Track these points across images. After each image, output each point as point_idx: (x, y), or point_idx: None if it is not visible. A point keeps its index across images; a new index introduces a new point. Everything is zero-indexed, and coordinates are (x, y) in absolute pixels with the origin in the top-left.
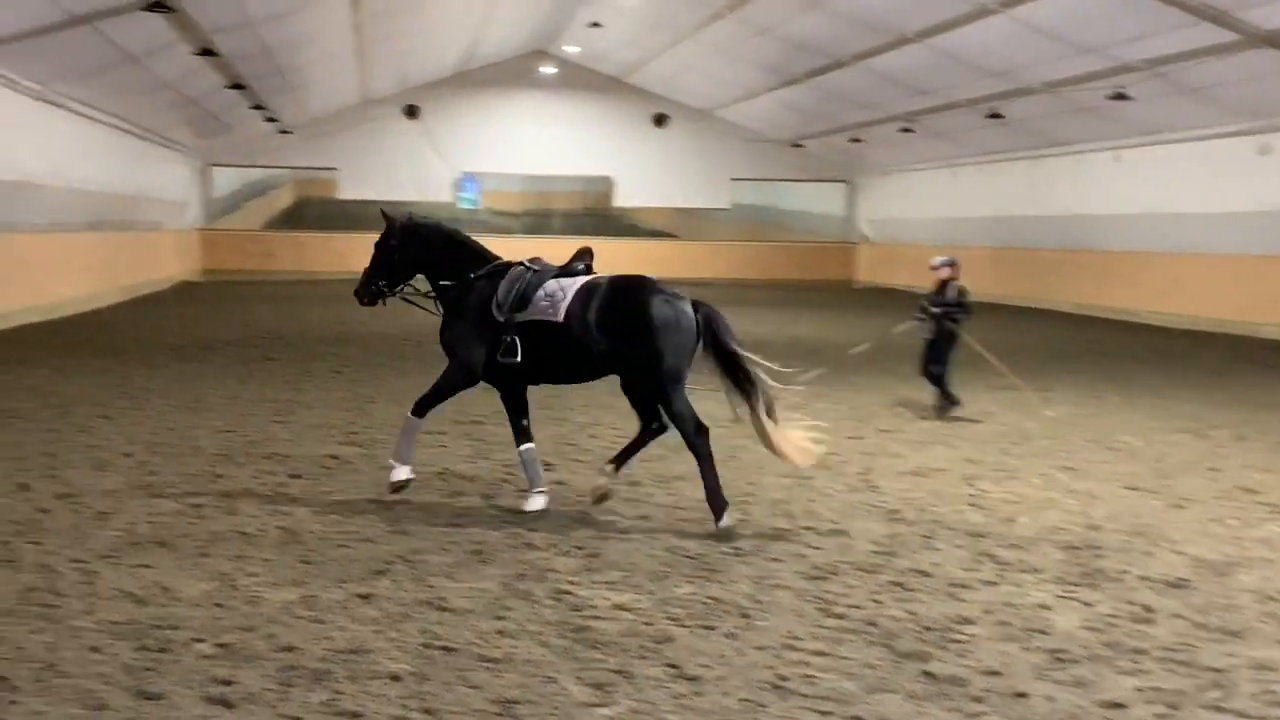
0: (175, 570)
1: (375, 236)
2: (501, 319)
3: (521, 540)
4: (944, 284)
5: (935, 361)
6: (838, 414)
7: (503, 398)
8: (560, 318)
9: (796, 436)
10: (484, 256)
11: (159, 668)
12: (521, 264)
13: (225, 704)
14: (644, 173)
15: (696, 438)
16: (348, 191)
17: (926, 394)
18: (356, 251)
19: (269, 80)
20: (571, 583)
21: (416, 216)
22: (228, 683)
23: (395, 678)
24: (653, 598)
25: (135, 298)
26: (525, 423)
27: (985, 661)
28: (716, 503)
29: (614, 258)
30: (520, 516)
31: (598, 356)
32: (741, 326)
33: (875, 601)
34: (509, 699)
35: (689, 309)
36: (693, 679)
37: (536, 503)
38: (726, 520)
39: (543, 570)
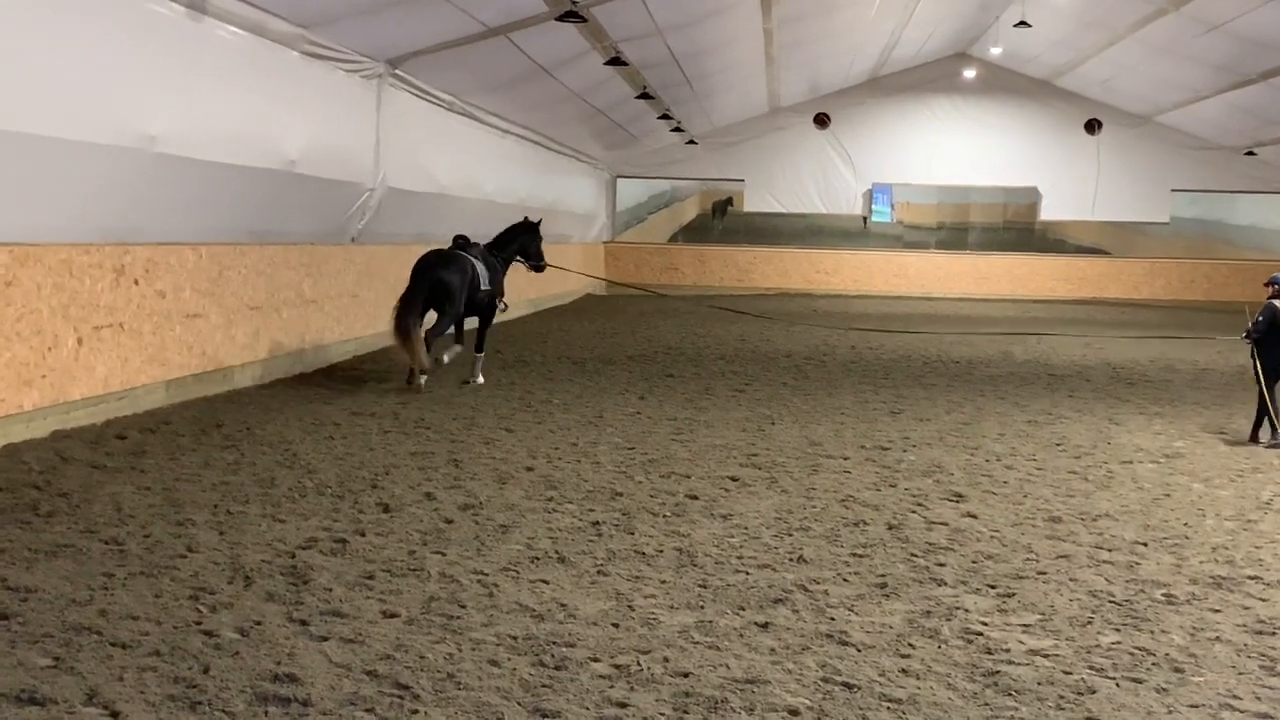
0: (573, 587)
1: (781, 250)
2: None
3: (929, 575)
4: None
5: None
6: None
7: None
8: None
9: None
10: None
11: (555, 685)
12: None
13: None
14: (1073, 184)
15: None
16: (753, 204)
17: None
18: (760, 266)
19: (676, 90)
20: (983, 623)
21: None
22: (623, 705)
23: (793, 712)
24: (1073, 645)
25: (540, 311)
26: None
27: None
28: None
29: (1034, 274)
30: (928, 550)
31: None
32: (1179, 352)
33: None
34: None
35: (424, 268)
36: None
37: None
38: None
39: (951, 608)
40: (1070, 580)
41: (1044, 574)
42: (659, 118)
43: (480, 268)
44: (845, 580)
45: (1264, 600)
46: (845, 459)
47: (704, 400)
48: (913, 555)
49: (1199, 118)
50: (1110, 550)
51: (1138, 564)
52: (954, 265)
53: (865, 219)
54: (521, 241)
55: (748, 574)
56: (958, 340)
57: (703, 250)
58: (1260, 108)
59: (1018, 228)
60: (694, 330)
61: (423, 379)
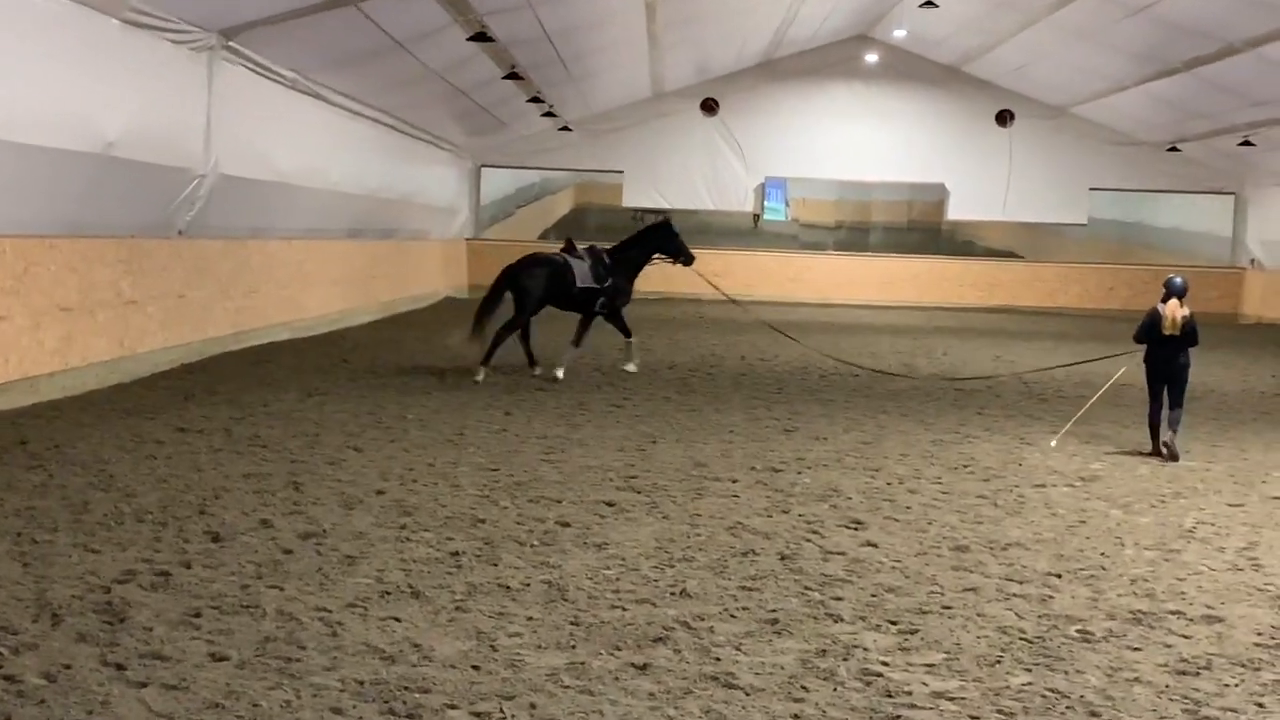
0: (428, 625)
1: None
2: None
3: (825, 610)
4: None
5: None
6: (1213, 475)
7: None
8: None
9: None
10: None
11: None
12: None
13: None
14: (983, 181)
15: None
16: (634, 198)
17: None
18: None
19: (549, 70)
20: (883, 663)
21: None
22: None
23: None
24: (980, 686)
25: (394, 315)
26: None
27: None
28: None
29: (941, 280)
30: (824, 582)
31: None
32: (1096, 366)
33: (1256, 705)
34: None
35: (505, 270)
36: None
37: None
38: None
39: (849, 646)
40: (978, 615)
41: (949, 609)
42: (529, 101)
43: (582, 267)
44: (732, 616)
45: (1186, 637)
46: (734, 482)
47: (578, 416)
48: (807, 588)
49: (1119, 110)
50: (1021, 582)
51: (1051, 597)
52: (854, 268)
53: (757, 217)
54: (655, 240)
55: (624, 610)
56: (859, 351)
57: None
58: (1184, 100)
59: (923, 228)
60: (567, 338)
61: (480, 376)
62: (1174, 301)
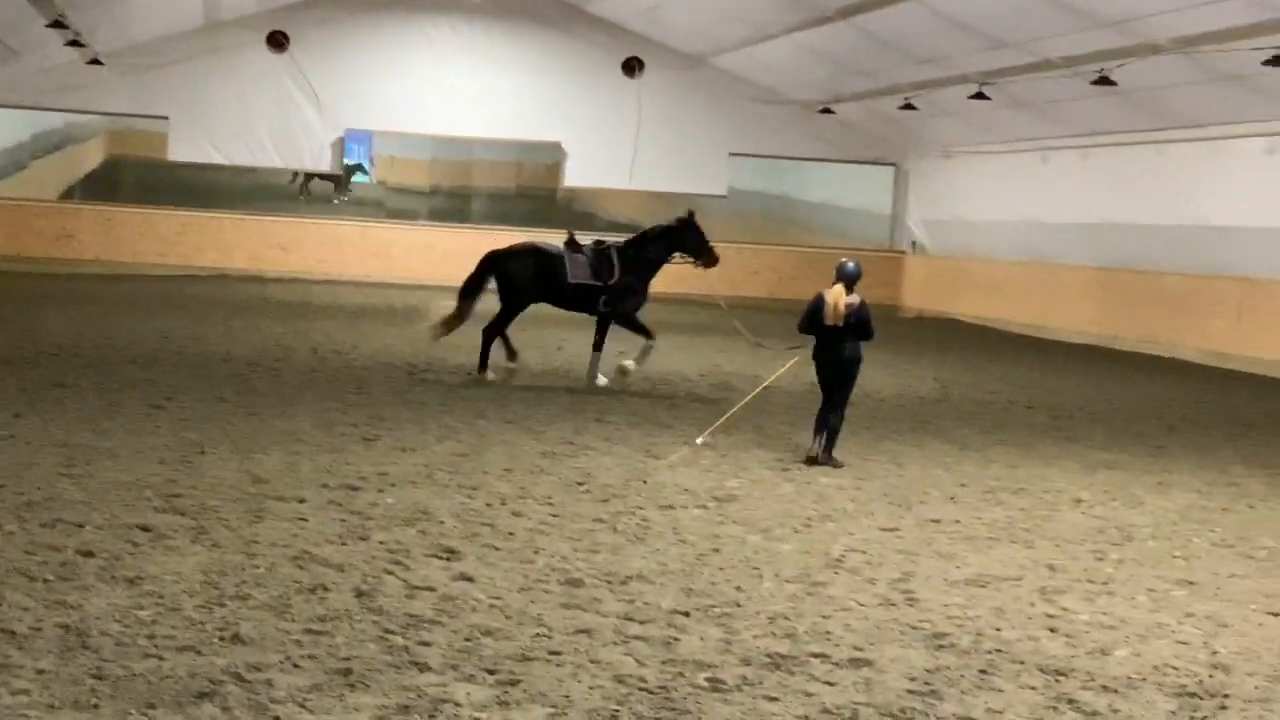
0: None
1: (221, 215)
2: None
3: (409, 657)
4: None
5: None
6: (865, 494)
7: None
8: None
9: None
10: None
11: None
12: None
13: None
14: (607, 141)
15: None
16: (182, 151)
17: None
18: (192, 236)
19: None
20: None
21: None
22: None
23: None
24: None
25: None
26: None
27: None
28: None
29: None
30: (409, 624)
31: None
32: (736, 364)
33: None
34: None
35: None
36: None
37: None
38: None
39: (437, 700)
40: (591, 662)
41: (558, 654)
42: (49, 26)
43: (578, 261)
44: (296, 666)
45: (831, 684)
46: (301, 502)
47: (107, 420)
48: (388, 632)
49: (764, 63)
50: (643, 622)
51: (676, 640)
52: (451, 243)
53: (345, 176)
54: (676, 237)
55: (161, 659)
56: (447, 343)
57: (110, 212)
58: (839, 53)
59: (536, 196)
60: (96, 323)
61: (491, 375)
62: (839, 287)
